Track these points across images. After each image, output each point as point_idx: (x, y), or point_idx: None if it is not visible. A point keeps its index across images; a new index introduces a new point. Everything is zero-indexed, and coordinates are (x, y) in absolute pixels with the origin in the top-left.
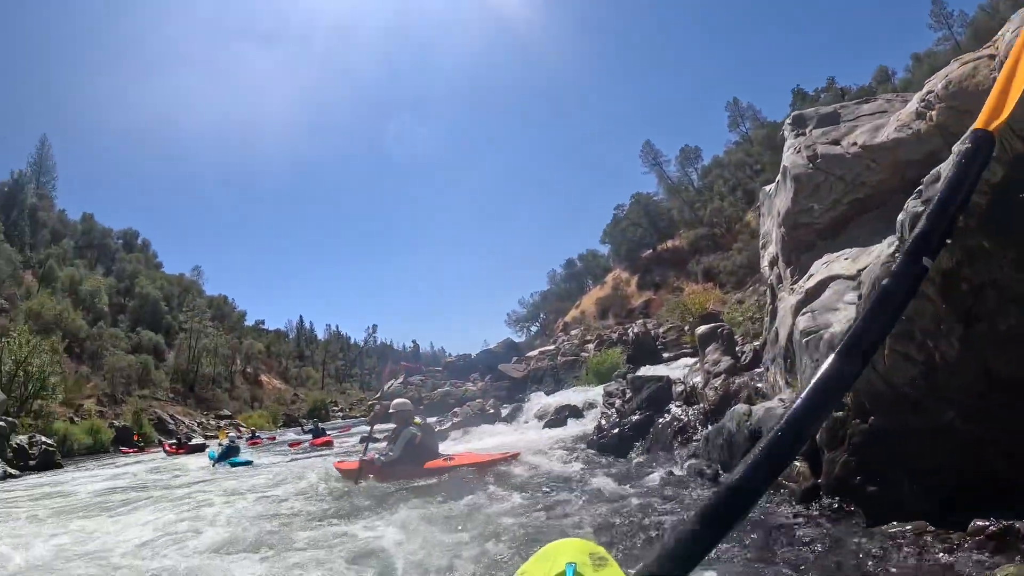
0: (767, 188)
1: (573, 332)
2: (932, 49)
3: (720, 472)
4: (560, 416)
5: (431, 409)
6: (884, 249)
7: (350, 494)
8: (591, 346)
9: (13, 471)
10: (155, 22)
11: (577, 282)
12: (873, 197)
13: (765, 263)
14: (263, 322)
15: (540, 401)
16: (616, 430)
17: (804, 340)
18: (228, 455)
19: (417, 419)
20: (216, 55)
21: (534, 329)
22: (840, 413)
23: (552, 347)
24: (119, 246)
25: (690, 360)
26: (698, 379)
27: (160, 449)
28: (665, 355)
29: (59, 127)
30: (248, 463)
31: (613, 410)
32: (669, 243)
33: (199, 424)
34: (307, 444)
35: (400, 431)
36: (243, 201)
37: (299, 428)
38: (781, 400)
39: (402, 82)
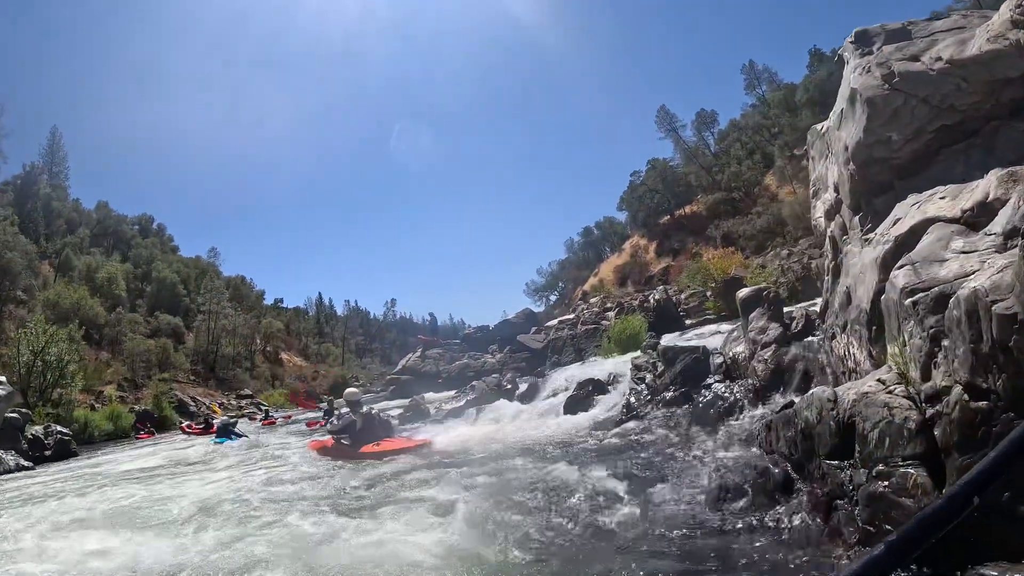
0: (818, 127)
1: (592, 300)
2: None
3: (792, 473)
4: (583, 394)
5: (449, 383)
6: (992, 184)
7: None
8: (611, 314)
9: (26, 463)
10: (166, 14)
11: (595, 250)
12: (963, 124)
13: (819, 214)
14: (282, 301)
15: (559, 377)
16: (648, 408)
17: (907, 301)
18: (225, 433)
19: (364, 408)
20: (227, 44)
21: (553, 298)
22: (984, 403)
23: (571, 316)
24: (135, 232)
25: (716, 327)
26: (740, 349)
27: (179, 431)
28: (688, 322)
29: (70, 118)
30: (244, 437)
31: (643, 386)
32: (687, 209)
33: (220, 404)
34: (319, 424)
35: (344, 415)
36: (258, 181)
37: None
38: (881, 382)
39: (416, 55)
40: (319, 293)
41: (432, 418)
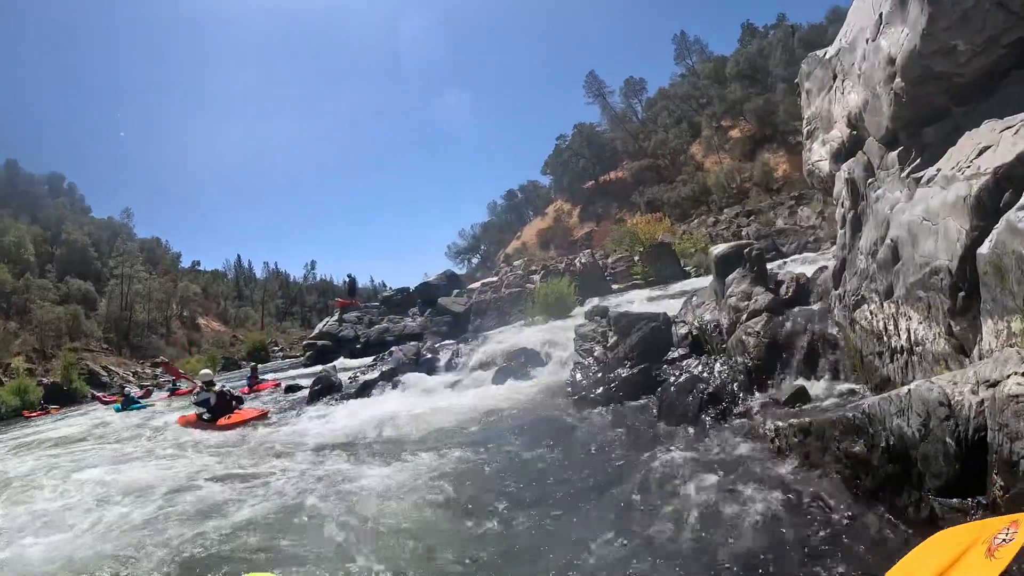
0: (819, 53)
1: (516, 263)
2: None
3: (859, 511)
4: (515, 366)
5: (368, 348)
6: None
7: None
8: (536, 277)
9: None
10: None
11: (518, 213)
12: None
13: (818, 156)
14: (199, 263)
15: (486, 347)
16: (599, 390)
17: None
18: (128, 404)
19: (216, 386)
20: None
21: (475, 261)
22: None
23: (495, 279)
24: (44, 192)
25: (645, 292)
26: (711, 317)
27: (95, 402)
28: (615, 286)
29: None
30: (144, 407)
31: (591, 359)
32: (612, 174)
33: (134, 374)
34: (243, 392)
35: (200, 394)
36: (173, 138)
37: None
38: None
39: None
40: (238, 255)
41: (343, 392)
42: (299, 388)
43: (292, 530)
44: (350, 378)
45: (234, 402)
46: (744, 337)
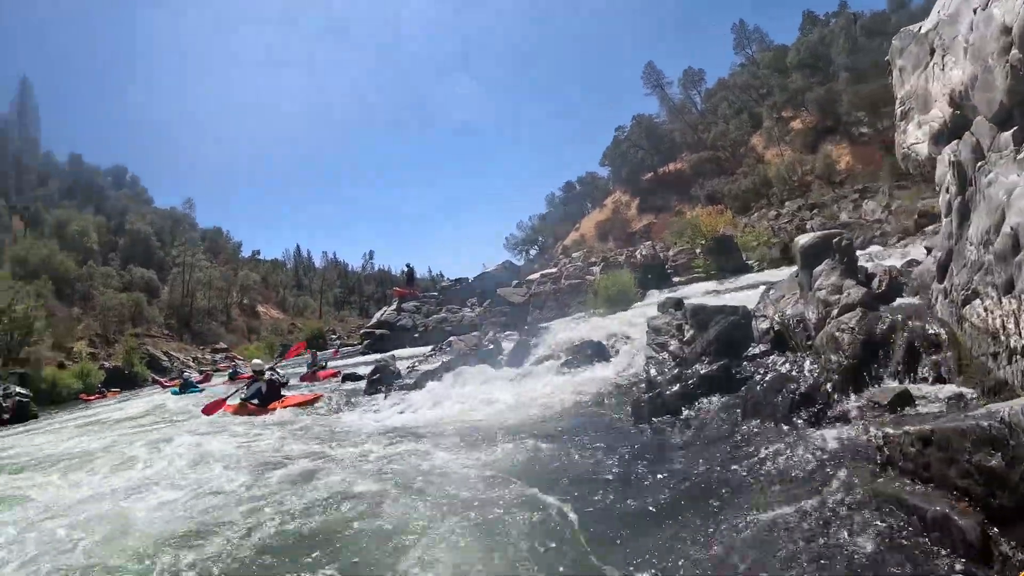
0: (912, 28)
1: (575, 255)
2: None
3: (994, 533)
4: (581, 360)
5: (426, 337)
6: None
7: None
8: (596, 269)
9: None
10: None
11: (576, 205)
12: None
13: (914, 139)
14: (259, 253)
15: (549, 339)
16: (675, 387)
17: None
18: (186, 388)
19: (266, 375)
20: None
21: (533, 253)
22: None
23: (554, 270)
24: (108, 184)
25: (707, 285)
26: (795, 312)
27: (156, 386)
28: (676, 279)
29: (41, 69)
30: (202, 391)
31: (666, 354)
32: (671, 166)
33: (194, 359)
34: (301, 379)
35: (252, 383)
36: (235, 131)
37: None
38: None
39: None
40: (297, 245)
41: (402, 382)
42: (358, 377)
43: (357, 511)
44: (408, 368)
45: (282, 389)
46: (837, 333)
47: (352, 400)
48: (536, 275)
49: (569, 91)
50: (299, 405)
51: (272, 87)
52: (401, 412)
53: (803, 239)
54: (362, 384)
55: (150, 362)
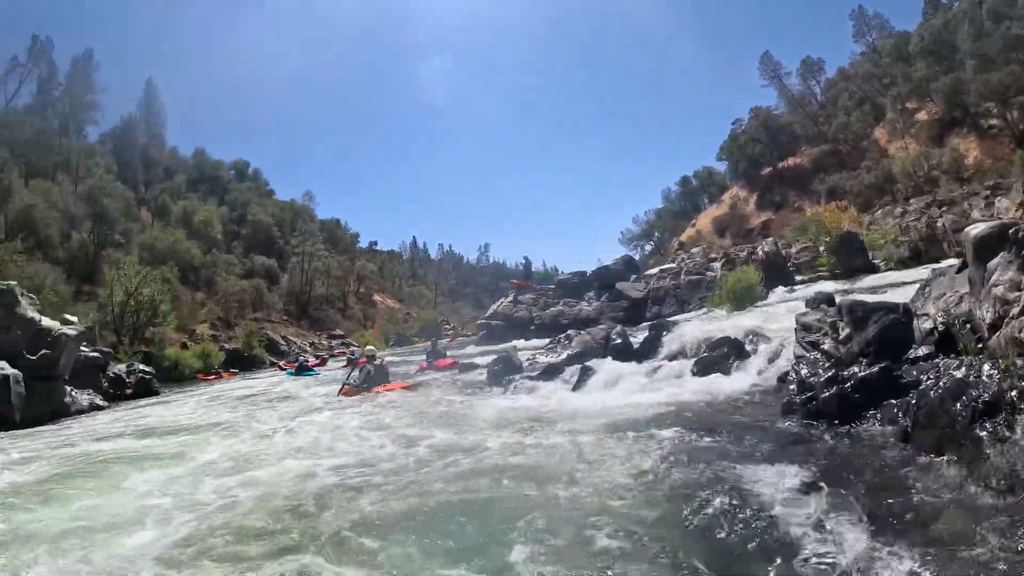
0: None
1: (694, 250)
2: None
3: None
4: (717, 357)
5: (542, 330)
6: None
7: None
8: (717, 265)
9: (101, 402)
10: None
11: (692, 200)
12: None
13: None
14: (376, 243)
15: (680, 335)
16: (832, 389)
17: None
18: (301, 371)
19: (377, 360)
20: None
21: (648, 248)
22: None
23: (672, 265)
24: (231, 177)
25: (833, 284)
26: (977, 310)
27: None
28: (798, 278)
29: (167, 69)
30: (316, 374)
31: (818, 353)
32: (790, 161)
33: (311, 344)
34: (421, 367)
35: (363, 367)
36: (354, 126)
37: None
38: None
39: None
40: (413, 237)
41: (524, 373)
42: (475, 367)
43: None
44: (529, 359)
45: (385, 376)
46: (1021, 335)
47: (474, 390)
48: (655, 270)
49: (685, 82)
50: (405, 389)
51: (395, 86)
52: (529, 402)
53: (974, 229)
54: (481, 375)
55: (268, 345)
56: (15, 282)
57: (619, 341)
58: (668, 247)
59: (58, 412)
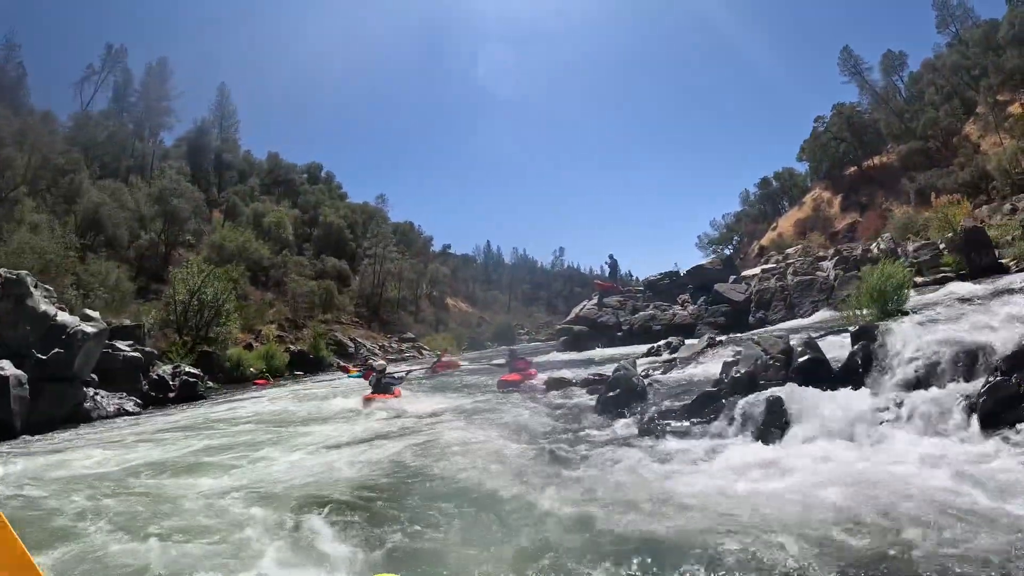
0: None
1: (789, 250)
2: None
3: None
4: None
5: (631, 337)
6: None
7: None
8: (828, 264)
9: (131, 408)
10: None
11: (772, 203)
12: None
13: None
14: (449, 247)
15: (896, 342)
16: None
17: None
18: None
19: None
20: None
21: (727, 252)
22: None
23: (776, 265)
24: (303, 180)
25: (964, 287)
26: None
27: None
28: (917, 279)
29: (241, 74)
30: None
31: None
32: (876, 159)
33: (381, 347)
34: (504, 380)
35: (373, 377)
36: (428, 130)
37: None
38: None
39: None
40: (487, 241)
41: (653, 405)
42: (566, 383)
43: None
44: (646, 376)
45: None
46: None
47: (583, 427)
48: (756, 270)
49: (761, 81)
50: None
51: (466, 83)
52: (698, 483)
53: None
54: (581, 397)
55: (337, 348)
56: (26, 272)
57: (808, 358)
58: (748, 251)
59: (75, 418)
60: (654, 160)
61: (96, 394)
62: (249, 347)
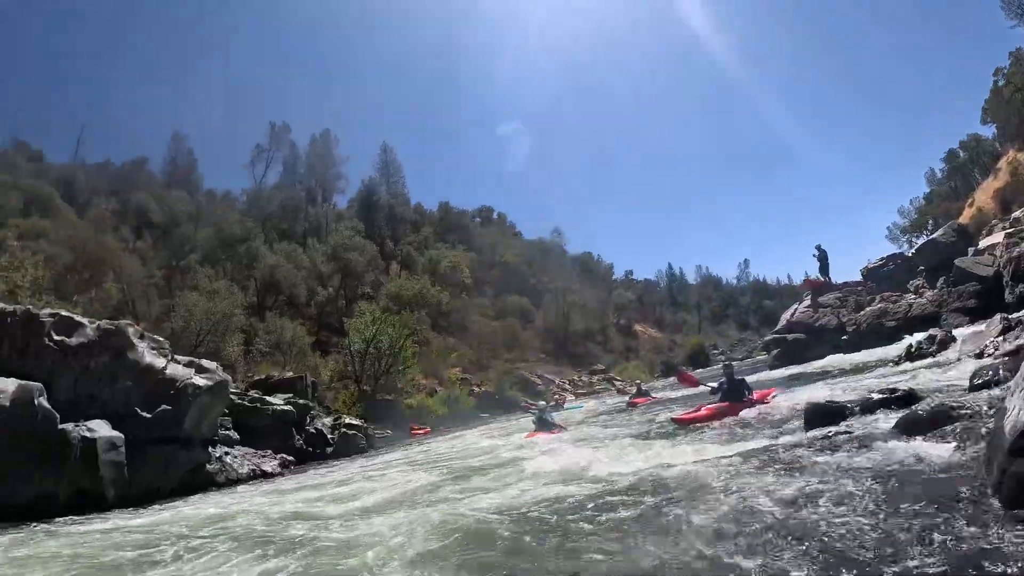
0: None
1: (1017, 213)
2: None
3: None
4: None
5: (859, 340)
6: None
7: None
8: None
9: (272, 468)
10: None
11: (963, 177)
12: None
13: None
14: (631, 272)
15: None
16: None
17: None
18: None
19: (544, 412)
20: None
21: (921, 240)
22: None
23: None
24: (476, 224)
25: None
26: None
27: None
28: None
29: (404, 129)
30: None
31: None
32: None
33: (570, 381)
34: (706, 412)
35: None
36: (594, 160)
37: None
38: None
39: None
40: (668, 263)
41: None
42: (842, 411)
43: None
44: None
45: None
46: None
47: None
48: (996, 237)
49: (919, 51)
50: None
51: (631, 113)
52: None
53: None
54: (902, 440)
55: (522, 386)
56: (129, 320)
57: None
58: (945, 235)
59: (192, 484)
60: (823, 154)
61: (226, 454)
62: (433, 392)
